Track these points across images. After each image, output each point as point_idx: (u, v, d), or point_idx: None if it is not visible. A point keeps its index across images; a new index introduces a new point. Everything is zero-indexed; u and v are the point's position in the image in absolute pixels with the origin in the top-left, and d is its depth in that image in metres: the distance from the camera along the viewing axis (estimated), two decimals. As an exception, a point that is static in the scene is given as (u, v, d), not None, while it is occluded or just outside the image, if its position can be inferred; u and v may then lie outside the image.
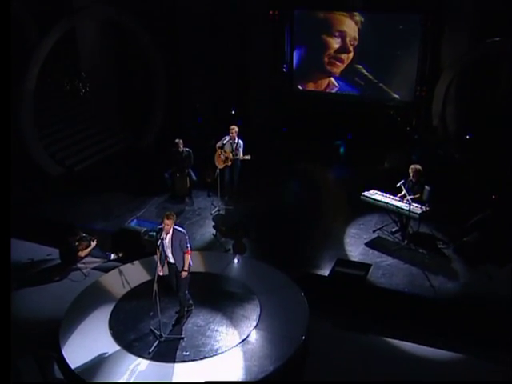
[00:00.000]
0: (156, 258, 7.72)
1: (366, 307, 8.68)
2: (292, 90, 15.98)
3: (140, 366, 7.19)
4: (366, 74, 14.99)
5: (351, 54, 15.13)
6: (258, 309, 8.23)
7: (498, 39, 12.60)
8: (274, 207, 11.77)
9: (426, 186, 10.04)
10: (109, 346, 7.52)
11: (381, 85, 15.02)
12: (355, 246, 10.09)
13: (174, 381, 7.00)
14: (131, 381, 6.97)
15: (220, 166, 11.25)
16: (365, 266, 9.35)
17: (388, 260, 9.64)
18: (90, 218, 11.21)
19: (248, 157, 11.06)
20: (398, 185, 10.06)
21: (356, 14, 14.69)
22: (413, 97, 14.53)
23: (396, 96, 14.89)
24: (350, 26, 14.89)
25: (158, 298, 7.38)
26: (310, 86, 16.00)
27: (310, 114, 15.55)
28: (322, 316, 8.57)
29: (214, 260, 9.63)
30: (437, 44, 13.79)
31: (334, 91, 15.68)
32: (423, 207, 9.82)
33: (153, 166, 13.46)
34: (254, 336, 7.72)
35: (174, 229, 7.59)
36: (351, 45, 15.03)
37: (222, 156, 11.17)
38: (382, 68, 14.86)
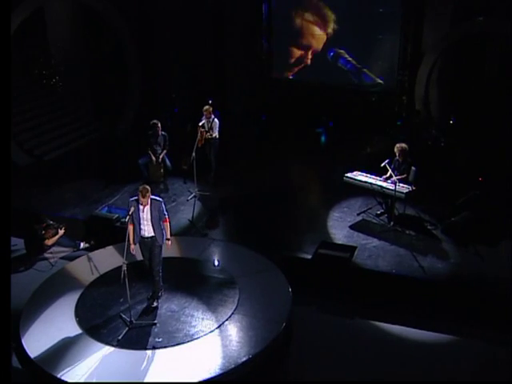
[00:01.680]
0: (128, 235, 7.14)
1: (352, 290, 8.20)
2: (271, 77, 15.50)
3: (107, 353, 6.59)
4: (349, 58, 14.57)
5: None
6: (237, 293, 7.69)
7: (481, 18, 12.27)
8: (252, 192, 11.24)
9: (412, 167, 9.61)
10: (74, 333, 6.92)
11: (364, 70, 14.60)
12: (339, 229, 9.59)
13: (144, 368, 6.40)
14: (97, 369, 6.36)
15: (200, 143, 10.83)
16: (350, 248, 8.85)
17: (374, 242, 9.15)
18: (58, 206, 10.58)
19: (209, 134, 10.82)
20: (382, 164, 9.61)
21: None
22: (395, 82, 14.14)
23: (380, 81, 14.49)
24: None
25: (126, 281, 6.78)
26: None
27: (290, 102, 15.10)
28: (306, 301, 8.08)
29: (190, 245, 9.06)
30: (418, 26, 13.42)
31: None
32: (409, 187, 9.38)
33: (127, 154, 12.86)
34: (233, 321, 7.16)
35: (151, 199, 7.12)
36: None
37: (198, 134, 10.76)
38: (364, 53, 14.48)
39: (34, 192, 11.18)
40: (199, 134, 10.74)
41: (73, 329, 6.99)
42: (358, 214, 10.07)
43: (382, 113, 14.15)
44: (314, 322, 7.86)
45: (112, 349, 6.64)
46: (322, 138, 14.55)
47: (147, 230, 7.20)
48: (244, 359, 6.46)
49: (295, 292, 7.76)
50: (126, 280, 6.77)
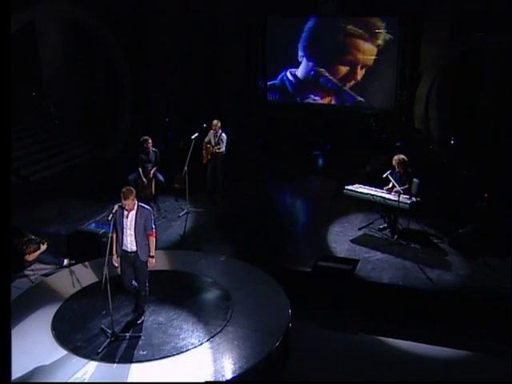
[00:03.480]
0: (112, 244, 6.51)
1: (355, 304, 7.56)
2: (266, 100, 15.22)
3: (85, 367, 5.90)
4: (330, 77, 14.45)
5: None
6: (231, 305, 7.04)
7: (479, 34, 12.07)
8: (248, 209, 10.72)
9: (415, 179, 9.15)
10: (49, 347, 6.23)
11: (345, 88, 14.42)
12: (340, 243, 9.02)
13: (126, 382, 5.72)
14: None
15: (206, 159, 10.79)
16: (352, 261, 8.27)
17: (377, 255, 8.58)
18: (42, 223, 9.99)
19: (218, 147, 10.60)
20: (384, 175, 9.16)
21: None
22: (393, 102, 13.86)
23: (361, 99, 14.34)
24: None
25: (108, 288, 6.16)
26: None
27: (286, 125, 14.78)
28: (304, 315, 7.44)
29: (181, 258, 8.46)
30: (416, 46, 13.22)
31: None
32: (413, 198, 8.89)
33: (117, 175, 12.34)
34: (225, 333, 6.49)
35: (138, 205, 6.39)
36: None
37: (204, 150, 10.77)
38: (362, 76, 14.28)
39: (16, 210, 10.60)
40: (204, 151, 10.62)
41: (48, 342, 6.32)
42: (360, 229, 9.53)
43: (380, 134, 13.78)
44: (313, 338, 7.20)
45: (91, 362, 5.96)
46: (320, 161, 14.13)
47: (130, 242, 6.40)
48: (237, 373, 5.79)
49: (293, 306, 7.11)
50: (108, 287, 6.16)
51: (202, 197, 10.76)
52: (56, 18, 13.67)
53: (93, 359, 6.01)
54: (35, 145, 13.38)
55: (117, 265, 6.55)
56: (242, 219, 10.22)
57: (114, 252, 6.53)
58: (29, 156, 12.92)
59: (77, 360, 5.99)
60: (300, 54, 14.92)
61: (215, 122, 10.79)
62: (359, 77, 14.36)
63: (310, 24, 14.58)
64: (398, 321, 7.36)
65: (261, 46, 14.86)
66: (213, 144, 10.72)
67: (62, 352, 6.14)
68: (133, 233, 6.37)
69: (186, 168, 10.08)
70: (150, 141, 10.65)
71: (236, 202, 10.97)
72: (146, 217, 6.41)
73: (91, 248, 8.93)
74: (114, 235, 6.48)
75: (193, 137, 10.24)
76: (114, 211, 6.32)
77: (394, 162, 9.18)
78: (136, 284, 6.70)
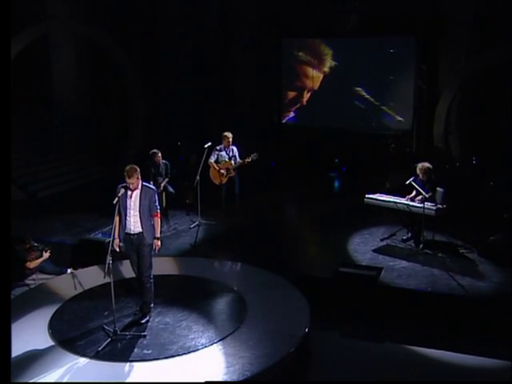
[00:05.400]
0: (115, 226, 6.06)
1: (380, 312, 6.91)
2: (280, 122, 14.91)
3: (83, 365, 5.30)
4: (367, 96, 13.97)
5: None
6: (245, 308, 6.43)
7: (499, 48, 11.74)
8: (265, 222, 10.19)
9: (439, 188, 8.62)
10: (44, 346, 5.66)
11: (383, 108, 13.94)
12: (361, 253, 8.41)
13: (126, 381, 5.10)
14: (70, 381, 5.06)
15: (223, 181, 9.96)
16: (375, 268, 7.65)
17: (402, 263, 7.96)
18: (47, 233, 9.52)
19: (254, 155, 9.84)
20: (407, 182, 8.63)
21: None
22: (411, 122, 13.45)
23: (400, 119, 13.77)
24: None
25: (112, 277, 5.64)
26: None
27: (300, 148, 14.39)
28: (325, 324, 6.79)
29: (191, 264, 7.93)
30: (434, 63, 12.93)
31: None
32: (438, 205, 8.34)
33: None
34: (239, 334, 5.87)
35: (143, 185, 6.07)
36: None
37: (221, 171, 9.91)
38: (377, 94, 13.93)
39: (21, 222, 10.17)
40: (224, 171, 9.88)
41: (43, 341, 5.73)
42: (382, 240, 8.94)
43: (398, 155, 13.31)
44: (335, 347, 6.54)
45: (88, 360, 5.36)
46: (336, 183, 13.64)
47: (134, 224, 6.04)
48: (249, 375, 5.13)
49: (312, 314, 6.47)
50: (111, 276, 5.64)
51: (218, 212, 10.14)
52: (69, 37, 13.60)
53: (91, 357, 5.41)
54: (44, 162, 13.11)
55: (118, 249, 6.07)
56: (257, 231, 9.68)
57: (116, 236, 6.07)
58: (36, 173, 12.61)
59: (73, 358, 5.40)
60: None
61: (226, 133, 10.07)
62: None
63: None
64: (427, 329, 6.68)
65: (276, 67, 14.65)
66: (226, 159, 9.96)
67: (58, 350, 5.57)
68: (137, 213, 6.00)
69: (198, 177, 9.65)
70: (160, 154, 10.21)
71: (250, 215, 10.41)
72: (151, 197, 6.08)
73: (96, 257, 8.42)
74: (117, 218, 6.07)
75: (206, 146, 9.85)
76: (119, 194, 5.92)
77: (418, 171, 8.69)
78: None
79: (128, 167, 5.97)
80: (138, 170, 6.02)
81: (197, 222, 9.77)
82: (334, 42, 14.28)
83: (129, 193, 6.01)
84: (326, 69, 14.46)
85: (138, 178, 5.99)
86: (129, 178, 5.92)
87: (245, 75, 14.68)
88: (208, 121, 14.98)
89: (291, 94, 15.00)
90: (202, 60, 14.73)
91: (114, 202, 5.91)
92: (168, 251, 8.49)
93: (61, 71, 13.69)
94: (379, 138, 13.86)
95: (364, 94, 13.96)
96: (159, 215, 6.21)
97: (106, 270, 5.57)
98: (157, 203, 6.16)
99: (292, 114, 15.11)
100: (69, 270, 8.40)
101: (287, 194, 12.27)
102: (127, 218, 6.03)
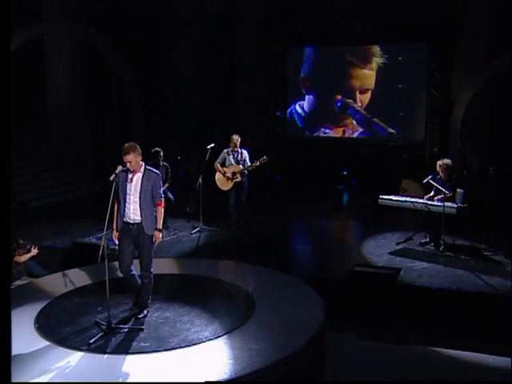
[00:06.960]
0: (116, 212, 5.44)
1: (400, 312, 6.24)
2: (286, 135, 14.48)
3: (71, 358, 4.64)
4: (358, 108, 13.64)
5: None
6: (253, 303, 5.77)
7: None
8: (274, 229, 9.71)
9: (459, 189, 8.07)
10: (28, 339, 4.98)
11: (375, 120, 13.61)
12: (377, 256, 7.84)
13: (121, 373, 4.44)
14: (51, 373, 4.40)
15: (228, 186, 9.20)
16: (393, 269, 7.03)
17: (422, 264, 7.38)
18: (38, 238, 8.88)
19: (263, 159, 9.17)
20: (425, 180, 8.12)
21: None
22: (424, 133, 13.00)
23: (392, 131, 13.36)
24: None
25: (106, 263, 5.04)
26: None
27: (306, 161, 13.91)
28: (339, 326, 6.12)
29: (193, 264, 7.31)
30: (447, 72, 12.56)
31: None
32: (459, 204, 7.77)
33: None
34: (246, 327, 5.20)
35: (146, 168, 5.35)
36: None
37: (227, 174, 9.18)
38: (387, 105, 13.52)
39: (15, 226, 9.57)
40: (231, 174, 9.14)
41: (27, 335, 5.06)
42: (398, 244, 8.35)
43: (411, 167, 12.79)
44: (352, 349, 5.85)
45: (78, 353, 4.70)
46: (345, 196, 13.10)
47: (133, 212, 5.31)
48: (256, 369, 4.46)
49: (326, 316, 5.84)
50: (106, 262, 5.04)
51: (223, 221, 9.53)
52: (65, 42, 13.18)
53: (81, 350, 4.75)
54: (38, 173, 12.64)
55: (118, 242, 5.44)
56: (266, 237, 9.17)
57: (115, 226, 5.43)
58: (30, 183, 12.12)
59: (60, 350, 4.75)
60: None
61: (235, 136, 9.35)
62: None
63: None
64: (452, 329, 6.00)
65: (281, 77, 14.31)
66: (232, 163, 9.24)
67: (44, 343, 4.91)
68: (137, 200, 5.28)
69: (200, 180, 9.14)
70: (162, 153, 9.58)
71: (256, 225, 9.77)
72: (155, 182, 5.35)
73: (90, 261, 7.78)
74: (116, 206, 5.40)
75: (209, 146, 9.36)
76: (116, 171, 5.29)
77: (438, 168, 8.19)
78: (134, 272, 5.53)
79: (126, 145, 5.27)
80: (139, 148, 5.32)
81: (198, 228, 9.19)
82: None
83: (129, 176, 5.28)
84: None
85: (136, 157, 5.26)
86: (125, 155, 5.20)
87: (249, 84, 14.34)
88: (210, 131, 14.52)
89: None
90: (203, 67, 14.37)
91: (111, 178, 5.25)
92: (168, 254, 7.91)
93: (55, 76, 13.25)
94: (390, 150, 13.40)
95: (355, 105, 13.74)
96: (163, 204, 5.49)
97: (101, 253, 4.98)
98: (161, 190, 5.47)
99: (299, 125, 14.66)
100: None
101: (294, 209, 11.68)
102: (126, 204, 5.32)
